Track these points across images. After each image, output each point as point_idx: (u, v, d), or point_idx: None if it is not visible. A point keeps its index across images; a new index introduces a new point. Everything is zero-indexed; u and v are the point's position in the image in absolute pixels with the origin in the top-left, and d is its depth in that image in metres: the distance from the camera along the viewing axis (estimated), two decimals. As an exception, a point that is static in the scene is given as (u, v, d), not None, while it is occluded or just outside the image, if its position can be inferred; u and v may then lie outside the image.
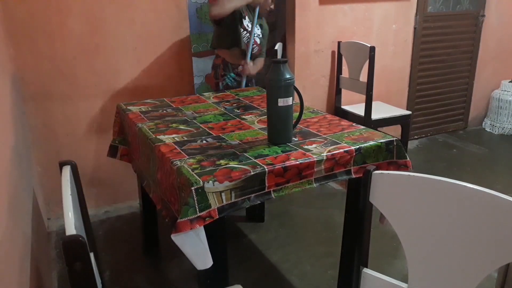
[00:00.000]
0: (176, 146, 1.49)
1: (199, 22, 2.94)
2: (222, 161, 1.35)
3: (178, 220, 1.19)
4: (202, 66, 3.04)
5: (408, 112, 3.21)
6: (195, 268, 1.25)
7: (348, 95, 3.26)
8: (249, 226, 2.54)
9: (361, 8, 3.22)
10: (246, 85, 2.53)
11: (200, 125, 1.73)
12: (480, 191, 0.91)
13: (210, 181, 1.22)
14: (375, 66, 2.87)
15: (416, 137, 3.95)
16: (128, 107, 2.00)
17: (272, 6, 2.58)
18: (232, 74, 2.51)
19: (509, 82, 4.04)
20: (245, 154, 1.41)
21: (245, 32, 2.47)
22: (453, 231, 0.97)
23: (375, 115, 2.98)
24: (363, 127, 1.67)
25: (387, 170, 1.26)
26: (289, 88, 1.44)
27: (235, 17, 2.40)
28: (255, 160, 1.35)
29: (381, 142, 1.51)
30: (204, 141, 1.54)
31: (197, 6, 2.91)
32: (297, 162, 1.35)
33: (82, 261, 0.78)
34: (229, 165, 1.31)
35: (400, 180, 1.06)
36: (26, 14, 2.25)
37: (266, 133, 1.55)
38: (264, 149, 1.45)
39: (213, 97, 2.19)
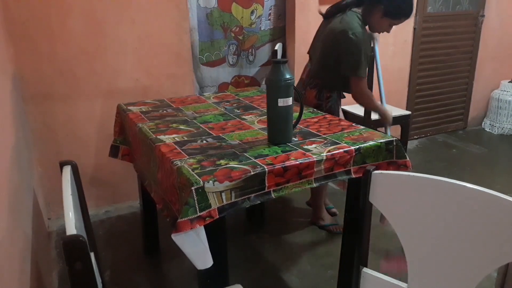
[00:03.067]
0: (176, 146, 1.49)
1: (210, 29, 2.82)
2: (222, 161, 1.35)
3: (178, 220, 1.19)
4: (215, 76, 2.96)
5: (408, 112, 3.21)
6: (195, 268, 1.26)
7: (348, 95, 3.25)
8: (249, 226, 2.54)
9: (361, 8, 3.22)
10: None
11: (200, 125, 1.73)
12: (480, 191, 0.91)
13: (210, 181, 1.22)
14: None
15: (415, 137, 3.95)
16: (128, 107, 2.00)
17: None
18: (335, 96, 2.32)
19: (509, 82, 4.05)
20: (245, 154, 1.41)
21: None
22: (453, 231, 0.97)
23: (374, 115, 2.98)
24: (362, 127, 1.67)
25: (386, 170, 1.26)
26: (289, 88, 1.44)
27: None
28: (255, 160, 1.35)
29: (380, 142, 1.51)
30: (204, 141, 1.54)
31: (207, 11, 2.77)
32: (297, 162, 1.35)
33: (82, 261, 0.79)
34: (229, 165, 1.32)
35: (400, 180, 1.06)
36: (26, 14, 2.25)
37: (266, 133, 1.56)
38: (264, 149, 1.45)
39: (213, 97, 2.19)
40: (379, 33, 2.24)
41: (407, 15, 2.10)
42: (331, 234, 2.44)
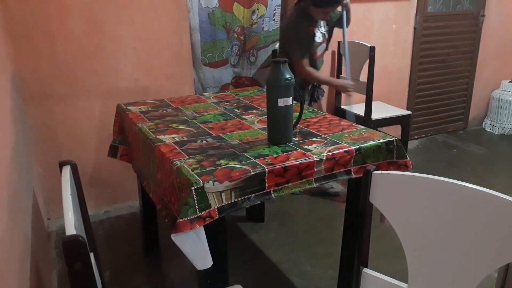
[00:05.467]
0: (176, 146, 1.49)
1: (213, 29, 2.79)
2: (222, 161, 1.35)
3: (178, 220, 1.19)
4: (218, 77, 2.94)
5: (408, 112, 3.21)
6: (195, 268, 1.25)
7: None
8: (249, 226, 2.54)
9: (361, 8, 3.22)
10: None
11: (200, 125, 1.73)
12: (480, 191, 0.91)
13: (210, 181, 1.22)
14: (375, 66, 2.87)
15: (416, 137, 3.95)
16: (128, 107, 2.00)
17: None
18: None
19: (509, 82, 4.04)
20: (245, 154, 1.41)
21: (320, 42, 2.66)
22: (453, 231, 0.97)
23: (375, 115, 2.98)
24: (363, 127, 1.67)
25: (387, 170, 1.26)
26: (289, 88, 1.43)
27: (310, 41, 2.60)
28: (255, 160, 1.35)
29: (381, 142, 1.51)
30: (204, 141, 1.54)
31: (209, 11, 2.74)
32: (297, 162, 1.35)
33: (82, 261, 0.78)
34: (229, 165, 1.31)
35: (400, 180, 1.06)
36: (26, 14, 2.25)
37: (266, 133, 1.55)
38: (264, 149, 1.44)
39: (213, 97, 2.19)
40: (321, 20, 2.63)
41: (331, 3, 2.51)
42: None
